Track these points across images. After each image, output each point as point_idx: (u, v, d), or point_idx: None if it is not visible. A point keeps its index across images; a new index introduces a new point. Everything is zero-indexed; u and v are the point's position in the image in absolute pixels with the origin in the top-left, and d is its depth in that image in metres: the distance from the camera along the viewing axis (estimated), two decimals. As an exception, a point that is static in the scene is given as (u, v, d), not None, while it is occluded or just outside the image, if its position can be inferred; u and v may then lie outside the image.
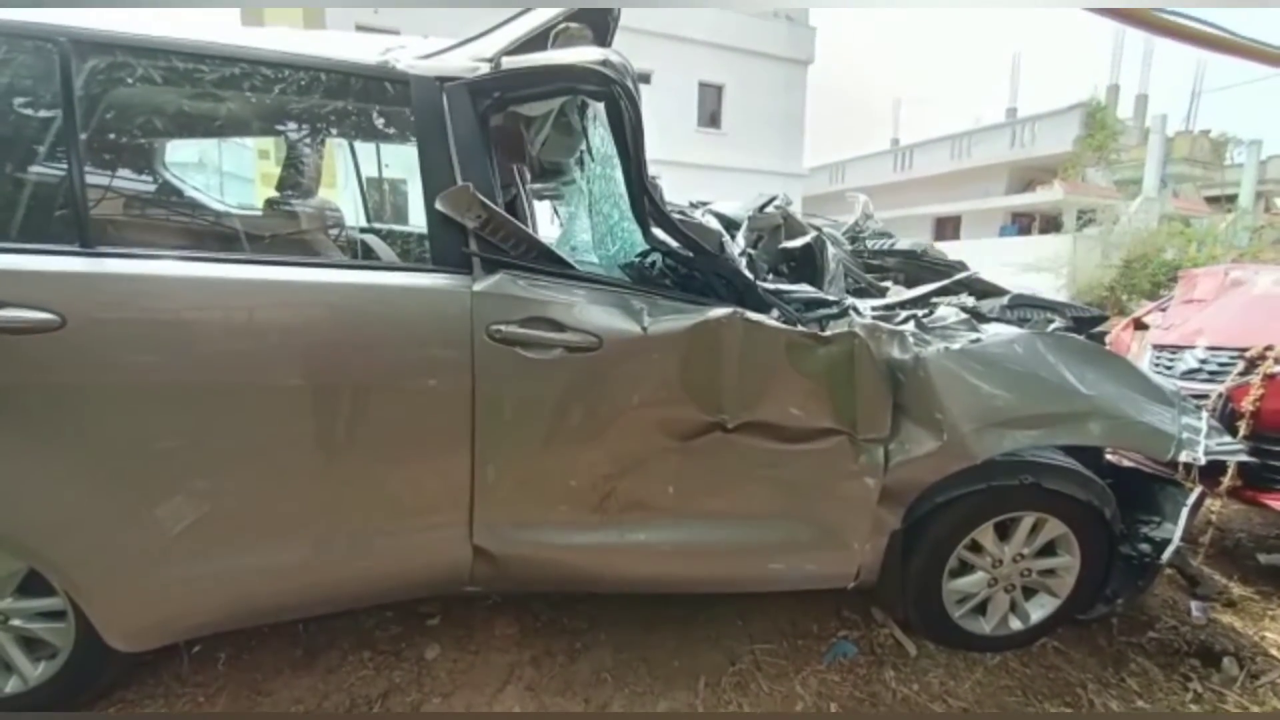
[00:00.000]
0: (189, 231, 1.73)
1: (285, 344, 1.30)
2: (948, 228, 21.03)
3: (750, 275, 1.63)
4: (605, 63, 1.36)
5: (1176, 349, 2.55)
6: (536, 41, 1.50)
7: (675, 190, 2.49)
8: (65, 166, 1.20)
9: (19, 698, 1.45)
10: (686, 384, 1.46)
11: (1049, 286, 11.80)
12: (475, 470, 1.42)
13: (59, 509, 1.25)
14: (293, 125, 1.85)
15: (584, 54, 1.40)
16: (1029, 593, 1.87)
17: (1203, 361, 2.41)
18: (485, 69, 1.43)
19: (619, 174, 1.58)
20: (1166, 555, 1.72)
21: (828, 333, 1.51)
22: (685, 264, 1.57)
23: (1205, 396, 2.22)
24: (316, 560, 1.41)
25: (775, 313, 1.53)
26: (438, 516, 1.45)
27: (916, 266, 2.58)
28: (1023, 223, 19.45)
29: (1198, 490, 1.80)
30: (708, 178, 15.55)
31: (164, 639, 1.42)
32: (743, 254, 1.95)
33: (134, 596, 1.34)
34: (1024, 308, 1.95)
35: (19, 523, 1.25)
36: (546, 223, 2.96)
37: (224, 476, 1.32)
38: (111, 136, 1.51)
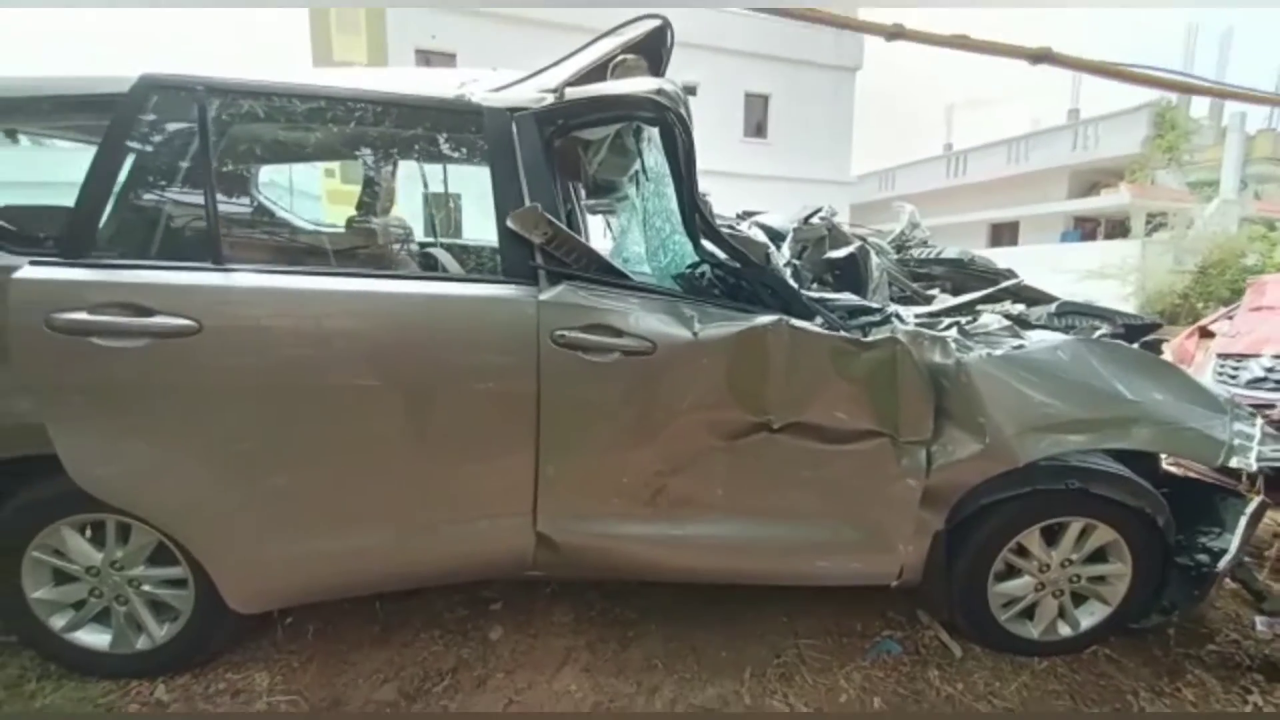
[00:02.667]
0: (290, 249, 1.96)
1: (378, 348, 1.47)
2: (1004, 234, 20.28)
3: (795, 284, 1.72)
4: (660, 92, 1.49)
5: (1242, 357, 2.48)
6: (597, 73, 1.65)
7: (721, 201, 2.60)
8: (202, 194, 1.42)
9: (150, 654, 1.67)
10: (734, 386, 1.56)
11: (1114, 295, 11.26)
12: (539, 463, 1.55)
13: (196, 490, 1.45)
14: (382, 152, 2.06)
15: (641, 84, 1.53)
16: (1079, 599, 1.87)
17: (1269, 370, 2.34)
18: (550, 99, 1.57)
19: (671, 191, 1.70)
20: (1223, 564, 1.71)
21: (870, 338, 1.58)
22: (733, 274, 1.68)
23: (1272, 406, 2.16)
24: (402, 542, 1.58)
25: (819, 320, 1.61)
26: (506, 505, 1.60)
27: (963, 275, 2.60)
28: (1086, 228, 18.58)
29: (1258, 500, 1.77)
30: (753, 188, 15.54)
31: (274, 604, 1.62)
32: (788, 264, 2.04)
33: (252, 566, 1.54)
34: (1071, 315, 1.97)
35: (164, 502, 1.47)
36: (599, 236, 3.11)
37: (330, 466, 1.50)
38: (236, 167, 1.73)
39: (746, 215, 3.01)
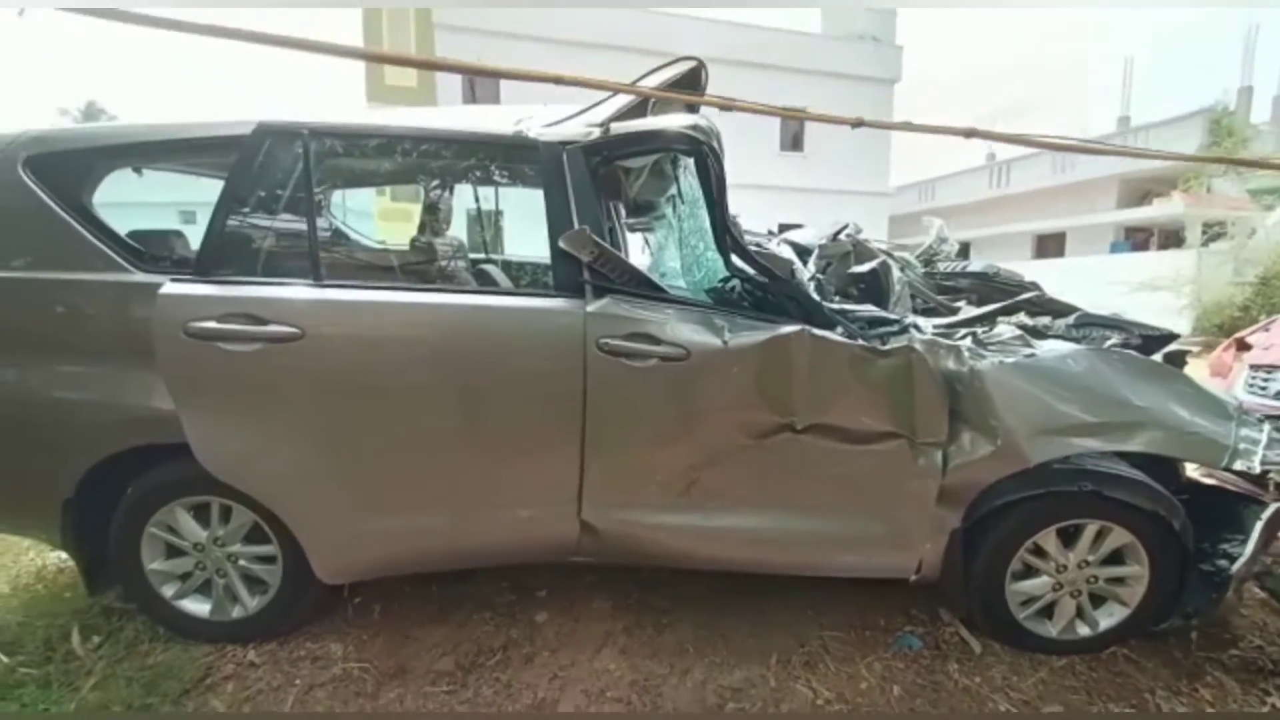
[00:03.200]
0: (370, 267, 2.21)
1: (447, 353, 1.69)
2: (1050, 246, 19.76)
3: (817, 297, 1.86)
4: (695, 127, 1.67)
5: (1273, 368, 2.50)
6: (639, 109, 1.85)
7: (758, 214, 2.76)
8: (304, 220, 1.67)
9: (243, 622, 1.91)
10: (761, 390, 1.71)
11: (1167, 308, 10.89)
12: (584, 457, 1.73)
13: (296, 472, 1.69)
14: (449, 181, 2.31)
15: (678, 120, 1.72)
16: (1098, 600, 1.93)
17: (1300, 382, 2.36)
18: (597, 133, 1.77)
19: (704, 213, 1.88)
20: (1237, 566, 1.76)
21: (887, 347, 1.72)
22: (760, 288, 1.84)
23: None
24: (466, 524, 1.79)
25: (839, 329, 1.75)
26: (554, 494, 1.78)
27: (989, 287, 2.70)
28: (1138, 239, 17.96)
29: (1275, 505, 1.81)
30: (791, 200, 15.65)
31: (355, 576, 1.85)
32: (812, 279, 2.18)
33: (339, 542, 1.77)
34: (1088, 326, 2.05)
35: (270, 481, 1.71)
36: (637, 252, 3.31)
37: (406, 455, 1.72)
38: (328, 197, 1.99)
39: (781, 229, 3.17)
